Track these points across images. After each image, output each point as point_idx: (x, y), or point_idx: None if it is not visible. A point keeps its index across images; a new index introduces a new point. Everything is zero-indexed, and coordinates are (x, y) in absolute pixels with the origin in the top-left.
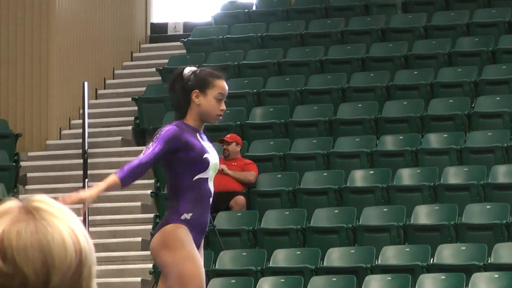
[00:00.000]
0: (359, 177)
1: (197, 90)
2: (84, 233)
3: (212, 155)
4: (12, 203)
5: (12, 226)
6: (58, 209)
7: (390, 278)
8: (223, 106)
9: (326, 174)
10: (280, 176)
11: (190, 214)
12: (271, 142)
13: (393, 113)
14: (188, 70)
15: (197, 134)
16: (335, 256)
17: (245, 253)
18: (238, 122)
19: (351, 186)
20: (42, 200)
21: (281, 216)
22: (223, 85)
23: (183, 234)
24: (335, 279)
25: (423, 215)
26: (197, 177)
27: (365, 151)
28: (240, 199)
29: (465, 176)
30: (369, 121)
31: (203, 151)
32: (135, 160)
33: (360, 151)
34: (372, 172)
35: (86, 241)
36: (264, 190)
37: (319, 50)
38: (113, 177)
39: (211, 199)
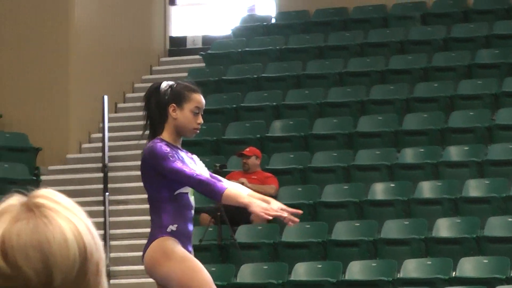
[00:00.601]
0: (379, 190)
1: (174, 104)
2: (90, 228)
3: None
4: (13, 200)
5: (12, 226)
6: (61, 204)
7: None
8: (200, 120)
9: (346, 187)
10: (300, 189)
11: (176, 226)
12: (291, 155)
13: (413, 125)
14: (165, 84)
15: (178, 150)
16: (356, 270)
17: (265, 267)
18: (258, 135)
19: (372, 199)
20: (45, 196)
21: (301, 229)
22: (200, 98)
23: (172, 244)
24: None
25: (444, 228)
26: (177, 191)
27: (385, 164)
28: None
29: (486, 189)
30: (389, 133)
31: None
32: (209, 178)
33: (380, 164)
34: (393, 185)
35: (91, 237)
36: (284, 203)
37: (338, 63)
38: (230, 189)
39: (192, 211)
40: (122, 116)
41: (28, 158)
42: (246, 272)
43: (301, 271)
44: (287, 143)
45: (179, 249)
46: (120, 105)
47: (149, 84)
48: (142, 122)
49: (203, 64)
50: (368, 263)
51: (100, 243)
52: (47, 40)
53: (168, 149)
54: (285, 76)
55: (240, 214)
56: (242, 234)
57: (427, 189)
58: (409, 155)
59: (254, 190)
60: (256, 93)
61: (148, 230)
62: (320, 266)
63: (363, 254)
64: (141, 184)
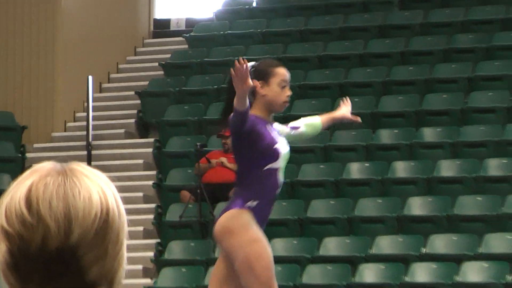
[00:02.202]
0: (355, 170)
1: (260, 82)
2: (116, 198)
3: (282, 145)
4: (47, 163)
5: (41, 179)
6: (94, 173)
7: (384, 267)
8: (289, 92)
9: (323, 166)
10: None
11: (256, 202)
12: None
13: (391, 107)
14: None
15: (268, 125)
16: (331, 246)
17: None
18: None
19: (347, 178)
20: (79, 164)
21: (279, 207)
22: (284, 71)
23: (247, 218)
24: (330, 267)
25: (417, 206)
26: (267, 167)
27: (361, 144)
28: None
29: (458, 169)
30: (367, 115)
31: (274, 141)
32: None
33: (356, 144)
34: (368, 164)
35: (116, 205)
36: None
37: (318, 46)
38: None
39: (277, 191)
40: (107, 96)
41: (14, 136)
42: None
43: (279, 247)
44: None
45: (255, 227)
46: (105, 85)
47: (133, 65)
48: (126, 102)
49: (186, 46)
50: (343, 239)
51: (125, 216)
52: (33, 20)
53: (251, 118)
54: (266, 59)
55: (219, 191)
56: (221, 210)
57: (401, 169)
58: (384, 136)
59: (233, 170)
60: None
61: (129, 206)
62: (296, 242)
63: (338, 231)
64: (125, 162)
